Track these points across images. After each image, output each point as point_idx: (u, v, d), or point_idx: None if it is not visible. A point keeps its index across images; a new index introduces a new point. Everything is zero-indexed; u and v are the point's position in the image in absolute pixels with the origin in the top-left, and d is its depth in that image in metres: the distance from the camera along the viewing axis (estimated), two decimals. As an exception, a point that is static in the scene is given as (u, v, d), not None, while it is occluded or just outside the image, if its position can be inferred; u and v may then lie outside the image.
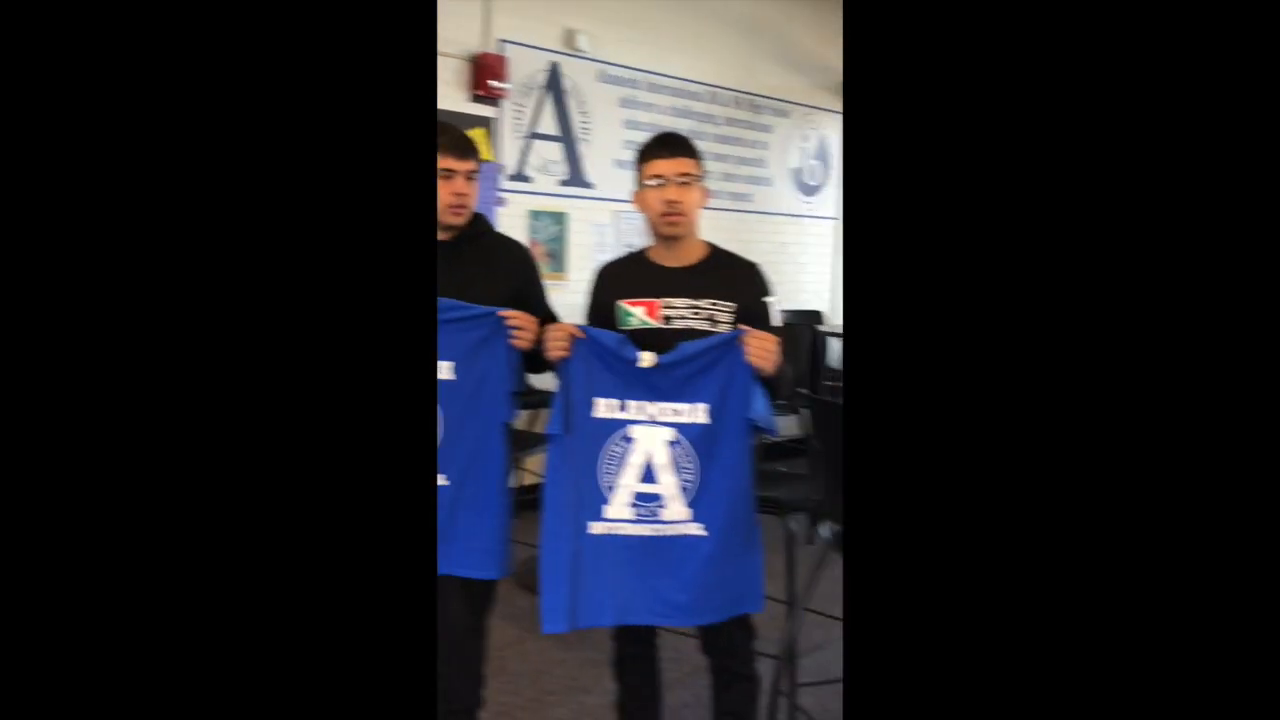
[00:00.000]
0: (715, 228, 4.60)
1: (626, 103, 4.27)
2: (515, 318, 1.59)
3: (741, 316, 1.63)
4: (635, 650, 1.75)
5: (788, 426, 4.30)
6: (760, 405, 1.49)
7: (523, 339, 1.58)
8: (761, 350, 1.46)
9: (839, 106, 5.32)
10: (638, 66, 4.28)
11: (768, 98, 4.91)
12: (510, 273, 1.73)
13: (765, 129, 4.93)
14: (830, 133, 5.31)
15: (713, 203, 4.73)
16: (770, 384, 1.51)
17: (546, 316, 1.69)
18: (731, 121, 4.75)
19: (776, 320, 1.70)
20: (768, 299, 1.70)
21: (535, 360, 1.63)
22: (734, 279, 1.69)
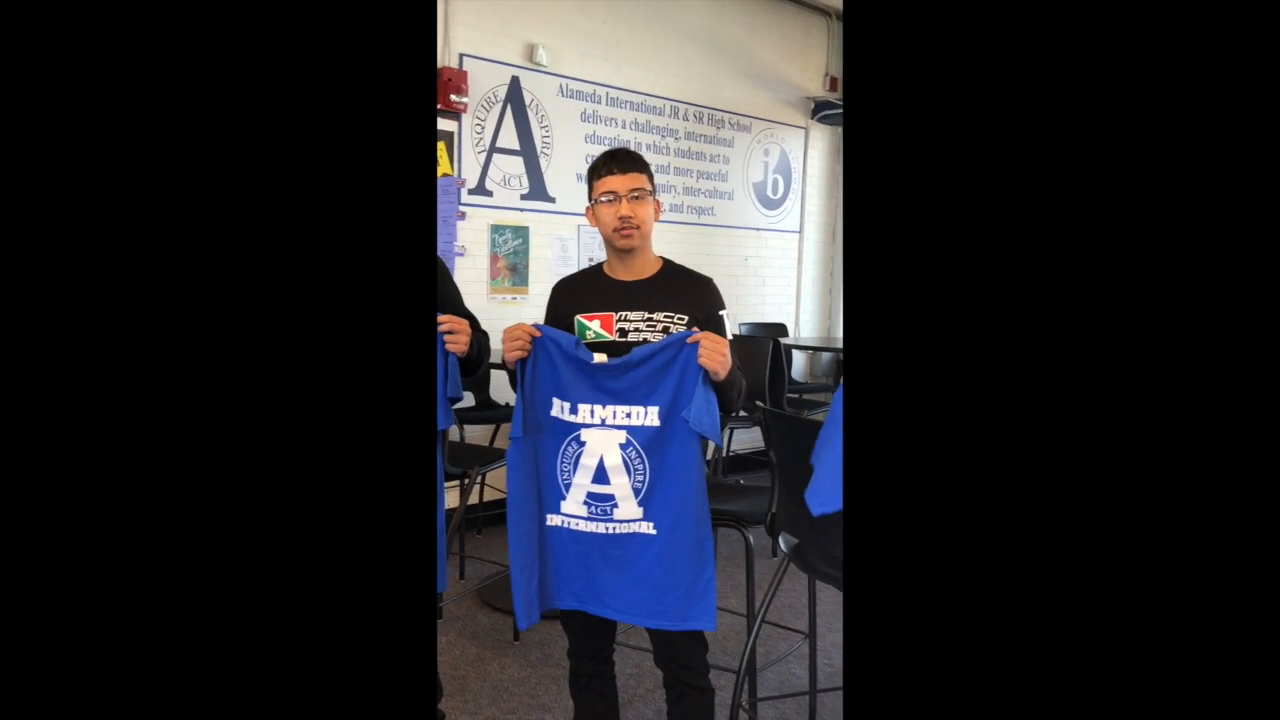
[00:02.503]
0: (678, 241, 4.66)
1: (587, 116, 4.28)
2: (448, 322, 1.59)
3: (697, 326, 1.65)
4: (592, 668, 1.74)
5: (749, 439, 4.32)
6: (706, 411, 1.50)
7: (458, 343, 1.59)
8: (712, 352, 1.46)
9: (800, 121, 5.38)
10: (598, 80, 4.30)
11: (729, 112, 4.94)
12: None
13: (726, 143, 4.96)
14: (792, 147, 5.36)
15: (675, 216, 4.76)
16: (721, 389, 1.52)
17: (471, 319, 1.71)
18: (693, 135, 4.78)
19: (730, 333, 1.71)
20: (722, 312, 1.71)
21: (468, 365, 1.65)
22: (688, 292, 1.71)
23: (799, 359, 5.44)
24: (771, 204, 5.30)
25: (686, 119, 4.73)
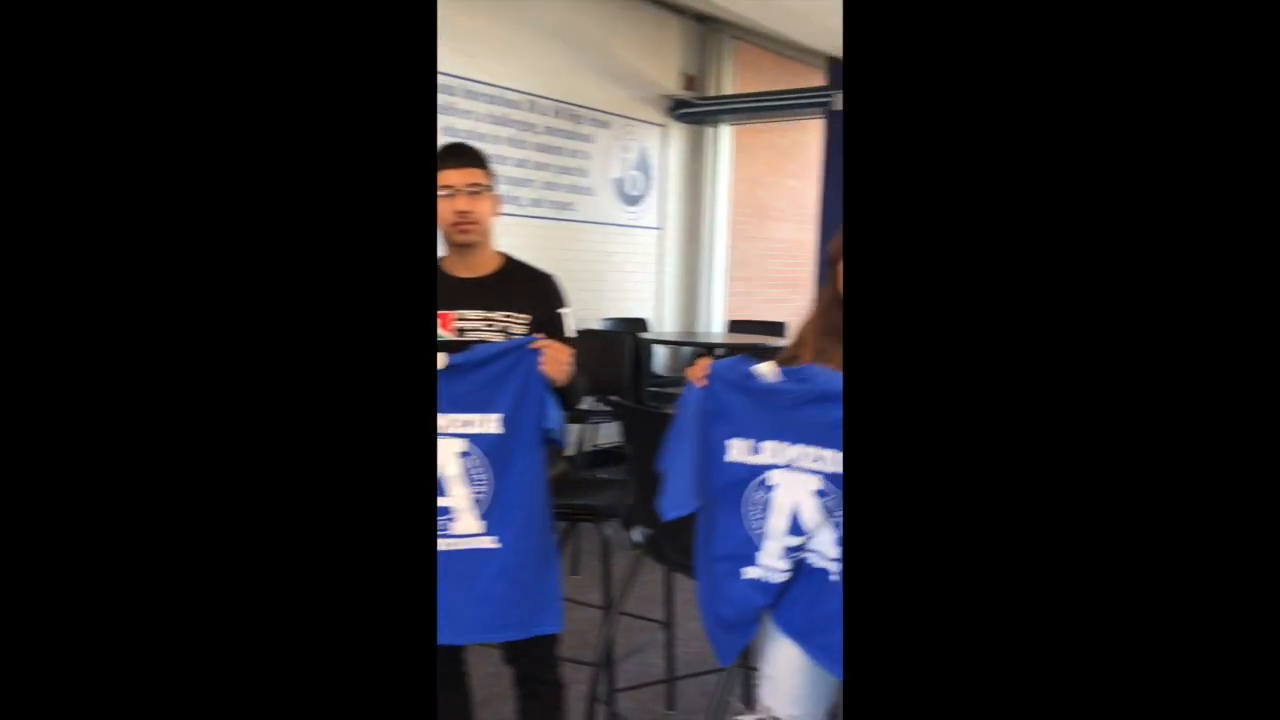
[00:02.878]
0: (541, 236, 4.64)
1: (444, 110, 4.19)
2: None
3: (536, 328, 1.65)
4: (444, 669, 1.72)
5: (609, 434, 4.36)
6: (552, 415, 1.50)
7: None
8: (554, 360, 1.47)
9: (659, 119, 5.45)
10: (454, 74, 4.22)
11: (588, 108, 4.95)
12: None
13: (586, 139, 4.97)
14: (651, 144, 5.42)
15: (536, 211, 4.74)
16: (562, 394, 1.53)
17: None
18: (551, 131, 4.76)
19: (571, 331, 1.72)
20: (563, 310, 1.72)
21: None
22: (528, 290, 1.70)
23: (661, 353, 5.52)
24: (632, 200, 5.35)
25: (545, 114, 4.71)
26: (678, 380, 4.94)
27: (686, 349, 5.41)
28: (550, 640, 1.65)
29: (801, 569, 1.39)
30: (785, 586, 1.40)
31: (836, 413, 1.29)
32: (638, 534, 1.93)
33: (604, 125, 5.07)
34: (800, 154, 6.82)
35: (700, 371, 1.40)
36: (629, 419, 1.98)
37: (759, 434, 1.37)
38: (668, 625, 2.29)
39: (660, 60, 5.42)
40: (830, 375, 1.33)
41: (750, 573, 1.41)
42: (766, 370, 1.35)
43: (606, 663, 2.11)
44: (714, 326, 5.80)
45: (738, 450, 1.39)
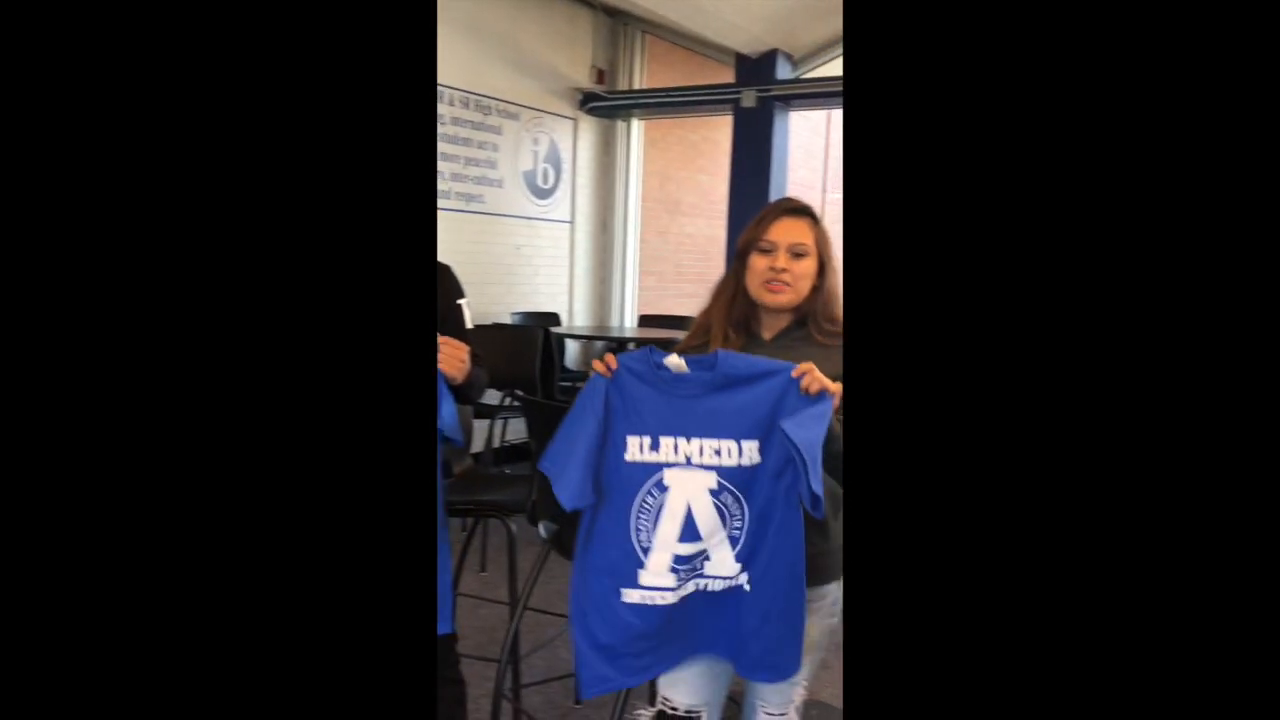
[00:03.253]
0: (449, 228, 4.57)
1: (347, 98, 4.09)
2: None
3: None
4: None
5: (518, 430, 4.32)
6: (446, 412, 1.47)
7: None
8: (449, 357, 1.44)
9: (569, 112, 5.42)
10: (358, 61, 4.12)
11: (496, 99, 4.90)
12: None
13: (494, 130, 4.92)
14: (561, 137, 5.40)
15: (444, 203, 4.66)
16: (460, 391, 1.50)
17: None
18: (459, 122, 4.70)
19: (469, 323, 1.70)
20: (461, 301, 1.69)
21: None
22: None
23: (572, 347, 5.51)
24: (542, 193, 5.31)
25: (452, 104, 4.64)
26: (589, 375, 4.93)
27: (598, 344, 5.41)
28: (447, 639, 1.63)
29: (700, 597, 1.34)
30: (682, 616, 1.34)
31: (741, 399, 1.28)
32: (543, 529, 1.92)
33: (513, 117, 5.02)
34: (710, 149, 6.89)
35: (607, 363, 1.37)
36: (533, 413, 1.97)
37: (658, 429, 1.33)
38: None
39: (571, 53, 5.40)
40: (736, 358, 1.31)
41: (630, 596, 1.33)
42: (674, 363, 1.31)
43: (513, 658, 2.10)
44: (626, 321, 5.82)
45: (635, 448, 1.34)
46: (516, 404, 3.88)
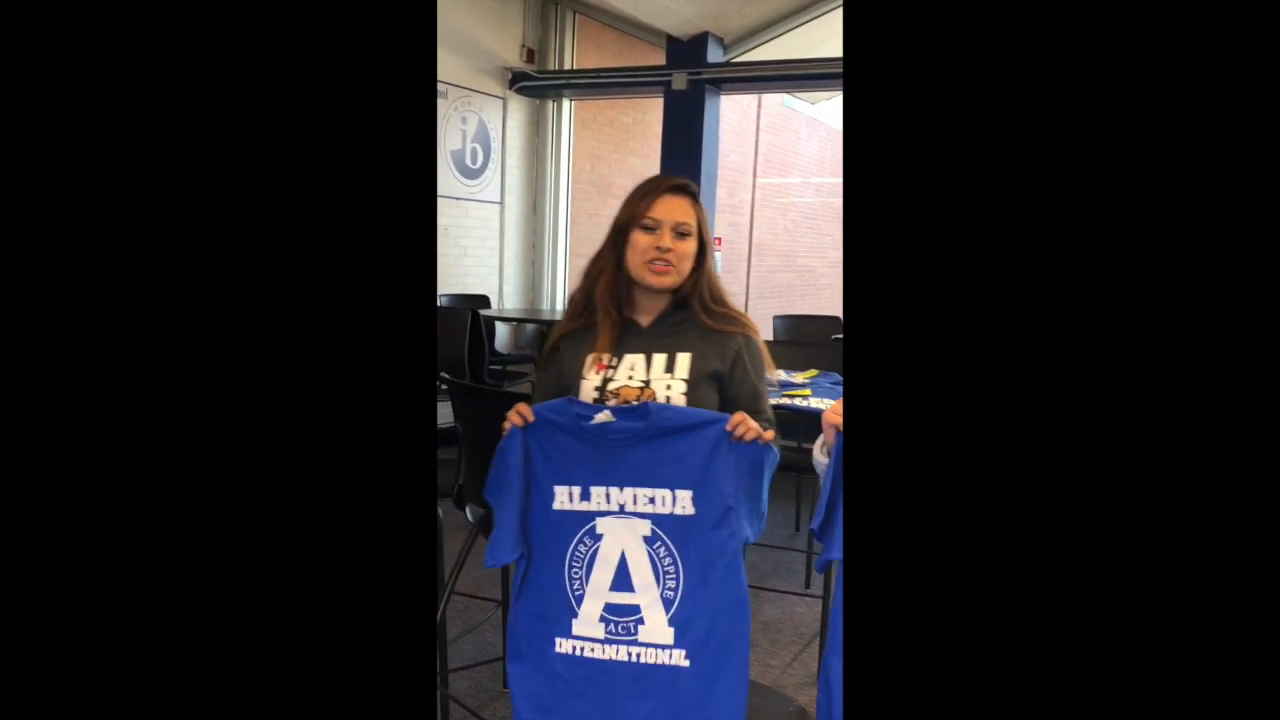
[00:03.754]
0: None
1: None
2: None
3: None
4: None
5: (445, 413, 4.28)
6: None
7: None
8: None
9: (498, 91, 5.35)
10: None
11: (424, 77, 4.80)
12: None
13: (422, 109, 4.83)
14: (490, 116, 5.32)
15: (369, 182, 4.55)
16: None
17: None
18: (385, 99, 4.60)
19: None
20: None
21: None
22: None
23: (502, 330, 5.45)
24: (471, 173, 5.24)
25: (378, 81, 4.53)
26: (521, 358, 4.90)
27: (529, 326, 5.37)
28: None
29: (632, 672, 1.28)
30: (614, 688, 1.28)
31: (674, 448, 1.24)
32: (470, 513, 1.91)
33: (441, 95, 4.93)
34: (641, 132, 6.88)
35: (520, 415, 1.31)
36: (459, 397, 1.95)
37: (587, 479, 1.28)
38: (503, 604, 2.28)
39: (500, 32, 5.32)
40: (667, 410, 1.27)
41: (563, 645, 1.30)
42: (602, 418, 1.26)
43: (440, 643, 2.08)
44: (557, 304, 5.78)
45: (564, 497, 1.29)
46: (444, 387, 3.83)
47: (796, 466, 3.03)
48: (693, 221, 1.42)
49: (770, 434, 1.23)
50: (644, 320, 1.45)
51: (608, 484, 1.27)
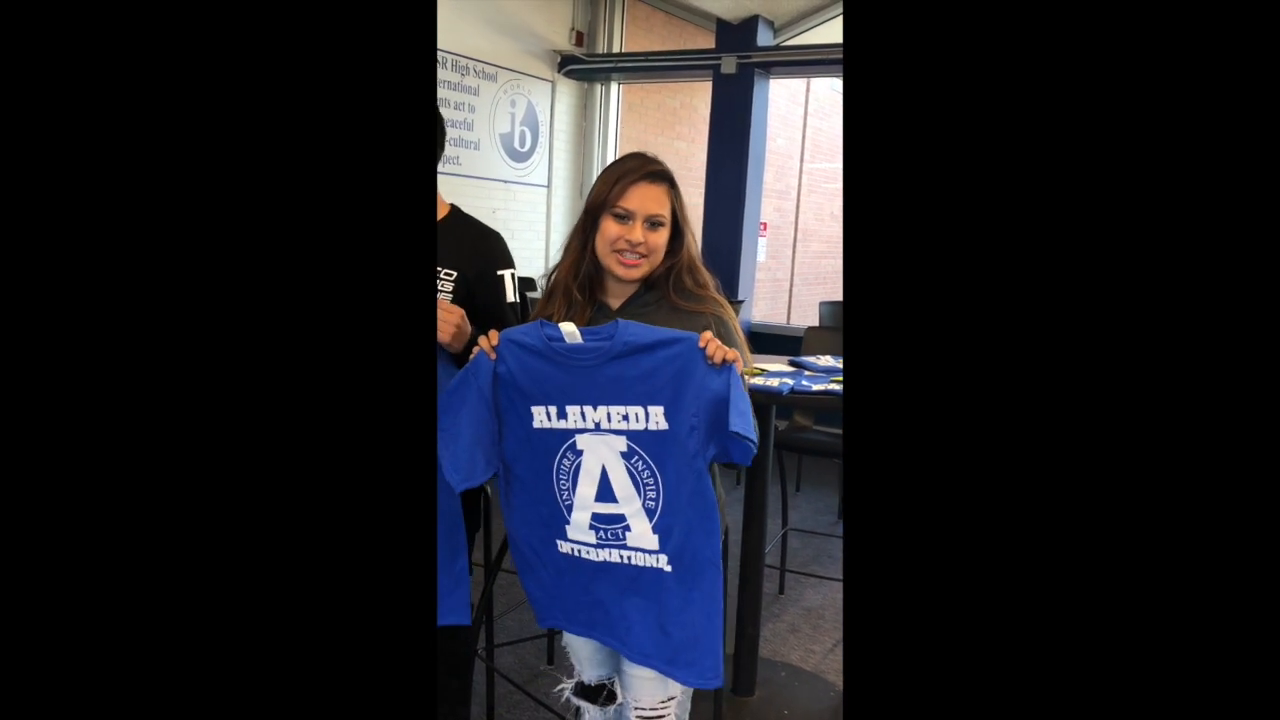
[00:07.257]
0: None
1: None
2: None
3: (463, 286, 1.57)
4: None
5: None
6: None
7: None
8: (442, 326, 1.40)
9: (548, 75, 5.37)
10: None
11: (474, 59, 4.84)
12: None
13: (472, 91, 4.86)
14: (539, 100, 5.35)
15: (419, 165, 4.61)
16: (461, 359, 1.45)
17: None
18: (437, 82, 4.64)
19: (511, 296, 1.64)
20: (503, 271, 1.63)
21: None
22: (466, 246, 1.60)
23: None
24: (519, 156, 5.27)
25: (429, 64, 4.58)
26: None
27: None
28: (468, 631, 1.63)
29: (627, 574, 1.35)
30: (611, 585, 1.36)
31: (643, 365, 1.26)
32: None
33: (491, 78, 4.96)
34: (689, 116, 6.86)
35: (491, 341, 1.32)
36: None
37: (562, 399, 1.31)
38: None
39: (550, 14, 5.33)
40: (635, 327, 1.27)
41: (563, 547, 1.37)
42: (568, 330, 1.28)
43: (486, 619, 2.13)
44: (601, 286, 5.80)
45: (541, 416, 1.32)
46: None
47: (837, 452, 3.02)
48: (667, 212, 1.39)
49: (734, 354, 1.22)
50: (614, 303, 1.45)
51: (581, 403, 1.30)
